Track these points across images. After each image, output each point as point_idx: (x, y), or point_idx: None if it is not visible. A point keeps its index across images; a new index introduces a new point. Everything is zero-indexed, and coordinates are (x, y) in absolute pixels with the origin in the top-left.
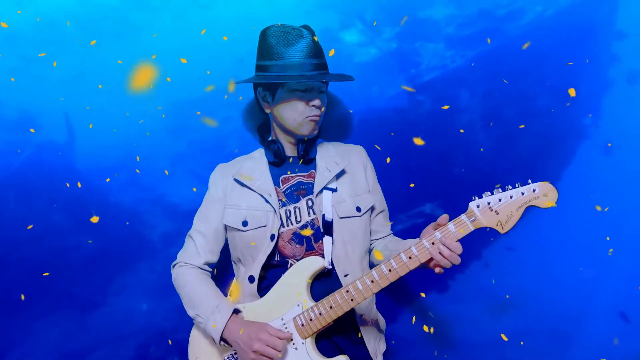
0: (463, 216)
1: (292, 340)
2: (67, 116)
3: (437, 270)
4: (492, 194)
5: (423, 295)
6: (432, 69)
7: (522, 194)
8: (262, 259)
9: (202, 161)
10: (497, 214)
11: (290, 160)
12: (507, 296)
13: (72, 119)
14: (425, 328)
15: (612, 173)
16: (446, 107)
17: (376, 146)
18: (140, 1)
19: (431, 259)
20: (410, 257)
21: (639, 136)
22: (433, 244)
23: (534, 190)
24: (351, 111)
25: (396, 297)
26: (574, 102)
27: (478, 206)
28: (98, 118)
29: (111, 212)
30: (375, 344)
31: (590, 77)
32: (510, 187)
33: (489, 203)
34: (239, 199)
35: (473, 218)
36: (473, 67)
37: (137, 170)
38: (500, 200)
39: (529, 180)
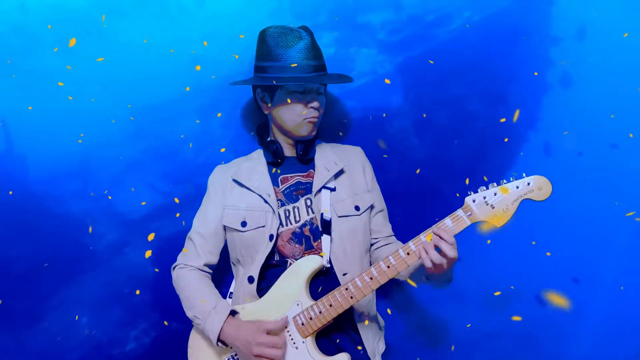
0: (459, 211)
1: (289, 333)
2: (5, 122)
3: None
4: (487, 188)
5: (469, 326)
6: (364, 74)
7: (517, 187)
8: (261, 259)
9: (153, 169)
10: (493, 208)
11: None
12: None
13: (18, 125)
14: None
15: (553, 173)
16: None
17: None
18: (103, 6)
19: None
20: (408, 253)
21: (576, 137)
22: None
23: (528, 184)
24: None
25: (397, 298)
26: (511, 105)
27: (474, 200)
28: (45, 124)
29: (56, 221)
30: (374, 344)
31: (524, 81)
32: (504, 181)
33: (484, 197)
34: (238, 199)
35: (469, 213)
36: (402, 72)
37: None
38: (495, 194)
39: (524, 174)
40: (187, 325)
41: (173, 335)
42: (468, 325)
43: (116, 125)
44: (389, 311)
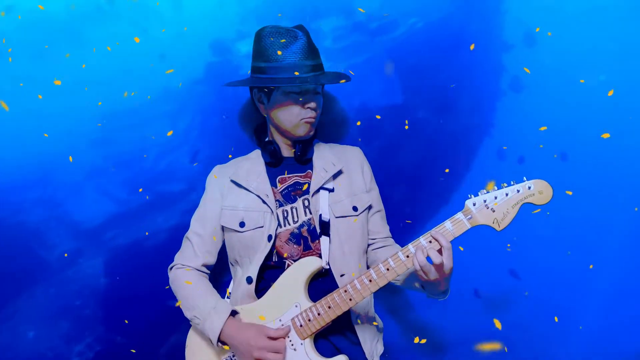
0: (460, 214)
1: (290, 339)
2: None
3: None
4: (488, 192)
5: (505, 349)
6: None
7: (518, 191)
8: (259, 259)
9: (113, 176)
10: (494, 211)
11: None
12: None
13: None
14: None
15: (509, 176)
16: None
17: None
18: (72, 9)
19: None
20: (407, 256)
21: (530, 141)
22: (430, 242)
23: (529, 188)
24: (226, 115)
25: (395, 299)
26: (466, 110)
27: (474, 204)
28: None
29: (10, 231)
30: (372, 346)
31: (477, 86)
32: (505, 184)
33: (485, 201)
34: (236, 200)
35: (470, 216)
36: (350, 77)
37: None
38: (496, 198)
39: (524, 178)
40: (130, 339)
41: (117, 348)
42: (504, 348)
43: (77, 131)
44: (416, 339)
